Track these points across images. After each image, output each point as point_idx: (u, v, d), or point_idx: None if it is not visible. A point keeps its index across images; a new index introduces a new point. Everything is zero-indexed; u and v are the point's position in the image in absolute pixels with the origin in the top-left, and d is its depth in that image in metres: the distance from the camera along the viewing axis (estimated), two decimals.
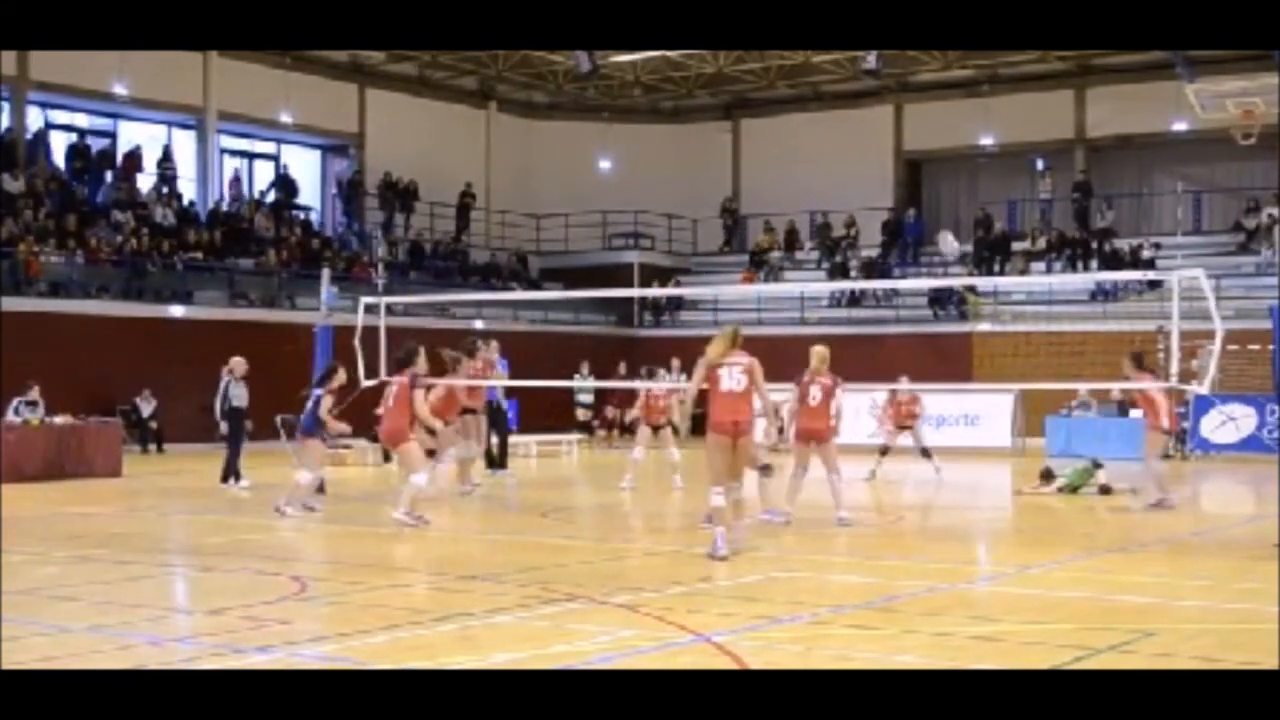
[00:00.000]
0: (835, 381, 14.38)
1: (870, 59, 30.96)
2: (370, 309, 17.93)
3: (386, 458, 20.69)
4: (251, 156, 35.82)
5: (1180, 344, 14.10)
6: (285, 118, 33.75)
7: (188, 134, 33.79)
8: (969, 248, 35.35)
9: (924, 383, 22.20)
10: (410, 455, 14.13)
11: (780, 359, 15.41)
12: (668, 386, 20.54)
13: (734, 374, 11.62)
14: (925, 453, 20.95)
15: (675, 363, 26.25)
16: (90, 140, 32.05)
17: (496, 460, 21.73)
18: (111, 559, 11.63)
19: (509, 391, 22.14)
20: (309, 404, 15.38)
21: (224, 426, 18.60)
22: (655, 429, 19.50)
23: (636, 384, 31.01)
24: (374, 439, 19.69)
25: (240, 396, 18.54)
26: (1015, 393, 27.59)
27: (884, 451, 21.03)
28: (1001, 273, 34.17)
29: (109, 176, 31.15)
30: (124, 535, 13.69)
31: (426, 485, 14.28)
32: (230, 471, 18.71)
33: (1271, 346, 14.62)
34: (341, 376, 15.58)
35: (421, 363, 15.09)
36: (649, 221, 39.11)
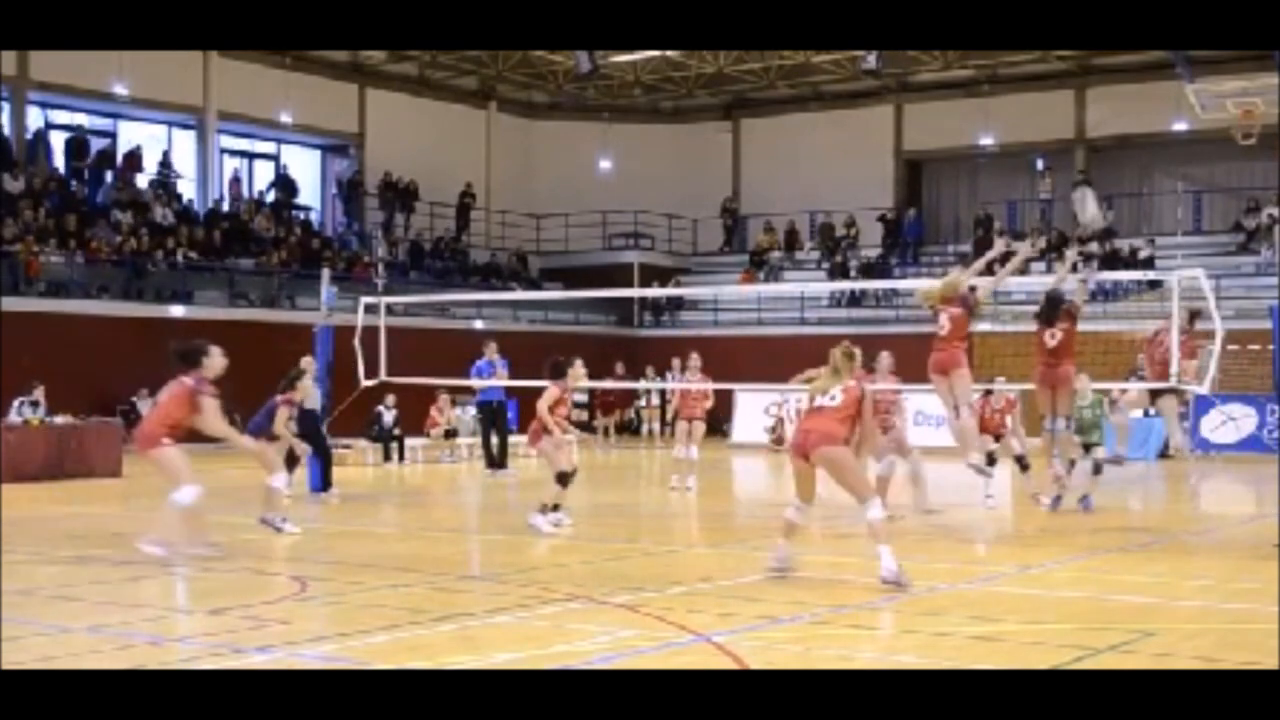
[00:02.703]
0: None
1: (870, 59, 30.92)
2: (370, 309, 17.95)
3: None
4: (251, 156, 35.80)
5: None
6: (285, 118, 33.75)
7: (188, 134, 33.78)
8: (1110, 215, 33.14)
9: (923, 383, 22.11)
10: (172, 463, 11.74)
11: (780, 359, 15.41)
12: (697, 385, 19.43)
13: (833, 392, 10.23)
14: (1020, 461, 18.11)
15: (676, 363, 26.17)
16: (90, 140, 32.05)
17: (497, 460, 21.78)
18: (111, 559, 11.63)
19: (509, 391, 22.14)
20: (264, 410, 14.20)
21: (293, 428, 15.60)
22: (690, 420, 18.67)
23: (639, 384, 31.28)
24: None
25: (313, 398, 16.62)
26: (1015, 393, 27.51)
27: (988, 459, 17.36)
28: None
29: (109, 176, 31.15)
30: (124, 535, 13.66)
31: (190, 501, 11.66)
32: (325, 480, 17.20)
33: (1271, 346, 14.60)
34: (306, 386, 14.58)
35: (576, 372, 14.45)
36: (649, 221, 39.10)
